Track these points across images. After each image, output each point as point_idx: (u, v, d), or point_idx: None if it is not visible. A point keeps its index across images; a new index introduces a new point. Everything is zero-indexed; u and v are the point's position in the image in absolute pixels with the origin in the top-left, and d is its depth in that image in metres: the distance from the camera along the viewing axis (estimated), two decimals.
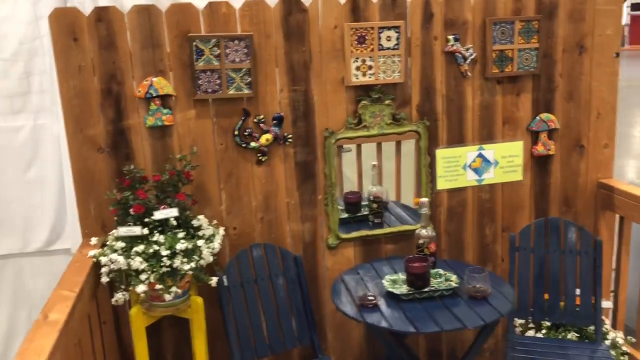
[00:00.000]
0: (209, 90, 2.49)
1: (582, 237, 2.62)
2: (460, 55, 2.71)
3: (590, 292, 2.56)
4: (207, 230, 2.36)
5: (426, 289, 2.33)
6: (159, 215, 2.24)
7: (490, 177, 2.91)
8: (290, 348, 2.60)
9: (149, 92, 2.44)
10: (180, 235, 2.24)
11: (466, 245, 2.97)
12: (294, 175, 2.70)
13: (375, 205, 2.91)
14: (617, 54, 2.92)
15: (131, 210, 2.22)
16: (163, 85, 2.46)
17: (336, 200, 2.74)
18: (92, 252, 2.26)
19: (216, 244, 2.31)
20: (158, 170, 2.48)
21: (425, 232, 2.49)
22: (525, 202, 2.98)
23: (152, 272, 2.12)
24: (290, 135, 2.64)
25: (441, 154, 2.83)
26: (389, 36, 2.61)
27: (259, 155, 2.63)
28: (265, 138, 2.59)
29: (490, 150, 2.88)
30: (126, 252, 2.16)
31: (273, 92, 2.59)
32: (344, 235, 2.79)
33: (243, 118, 2.57)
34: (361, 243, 2.84)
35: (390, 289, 2.34)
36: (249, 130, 2.58)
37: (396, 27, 2.60)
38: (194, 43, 2.43)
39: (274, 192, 2.69)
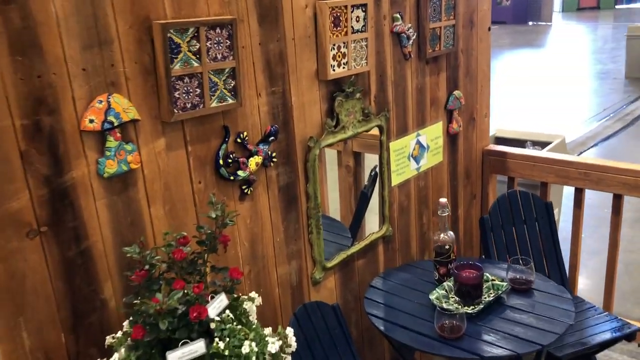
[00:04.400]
0: (189, 105, 1.64)
1: (536, 204, 2.74)
2: (405, 35, 2.45)
3: (553, 253, 2.70)
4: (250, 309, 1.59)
5: (483, 299, 2.08)
6: (213, 311, 1.39)
7: (425, 163, 2.76)
8: None
9: (107, 119, 1.47)
10: (242, 332, 1.44)
11: (411, 238, 2.78)
12: (278, 206, 2.04)
13: None
14: (489, 28, 3.09)
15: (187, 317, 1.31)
16: (125, 106, 1.51)
17: (321, 225, 2.20)
18: None
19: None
20: (123, 244, 1.54)
21: (448, 236, 2.21)
22: (445, 183, 2.95)
23: None
24: (274, 154, 1.97)
25: (393, 146, 2.54)
26: (357, 16, 2.16)
27: (243, 187, 1.89)
28: (254, 162, 1.87)
29: (424, 135, 2.72)
30: None
31: (252, 98, 1.87)
32: (329, 264, 2.27)
33: (226, 139, 1.79)
34: (339, 268, 2.36)
35: (459, 309, 2.01)
36: (233, 156, 1.82)
37: (363, 5, 2.17)
38: (168, 35, 1.55)
39: (259, 233, 1.99)
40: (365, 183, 3.10)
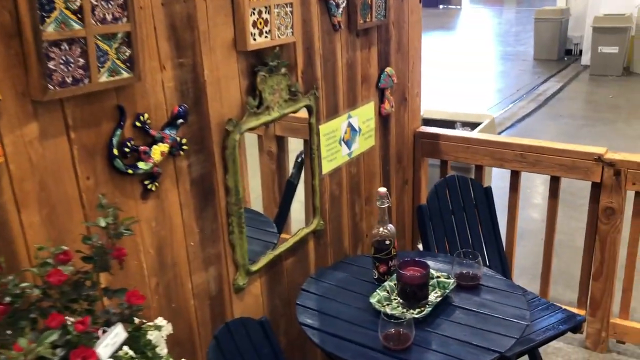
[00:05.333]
0: (69, 79, 1.26)
1: (475, 189, 2.54)
2: (334, 3, 2.15)
3: (493, 240, 2.53)
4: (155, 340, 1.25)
5: (430, 300, 1.85)
6: (105, 350, 1.04)
7: (357, 147, 2.49)
8: None
9: None
10: None
11: (343, 231, 2.51)
12: (191, 202, 1.69)
13: None
14: (420, 0, 2.85)
15: None
16: None
17: (244, 223, 1.87)
18: None
19: None
20: None
21: (388, 229, 1.96)
22: (377, 168, 2.70)
23: None
24: (184, 140, 1.62)
25: (323, 130, 2.25)
26: None
27: (146, 182, 1.53)
28: (159, 151, 1.51)
29: (355, 117, 2.45)
30: None
31: (154, 72, 1.51)
32: (254, 267, 1.95)
33: (121, 123, 1.42)
34: (265, 271, 2.05)
35: (405, 313, 1.76)
36: (132, 144, 1.46)
37: None
38: None
39: (168, 237, 1.64)
40: (292, 170, 2.80)
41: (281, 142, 3.03)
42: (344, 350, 1.68)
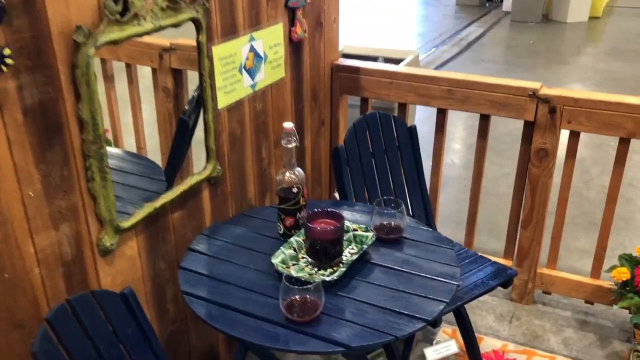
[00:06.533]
0: None
1: (398, 128, 2.21)
2: None
3: (417, 187, 2.23)
4: None
5: (344, 258, 1.53)
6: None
7: (262, 78, 2.09)
8: None
9: None
10: None
11: (247, 178, 2.14)
12: (26, 140, 1.25)
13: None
14: None
15: None
16: None
17: (108, 167, 1.45)
18: None
19: None
20: None
21: (295, 174, 1.60)
22: (288, 105, 2.32)
23: None
24: (7, 52, 1.16)
25: (218, 53, 1.83)
26: None
27: None
28: None
29: (260, 41, 2.04)
30: None
31: None
32: (126, 224, 1.54)
33: None
34: (144, 227, 1.65)
35: (313, 275, 1.43)
36: None
37: None
38: None
39: None
40: (186, 107, 2.37)
41: (179, 76, 2.57)
42: (234, 325, 1.33)
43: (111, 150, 2.01)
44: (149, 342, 1.31)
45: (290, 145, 1.56)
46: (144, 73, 2.53)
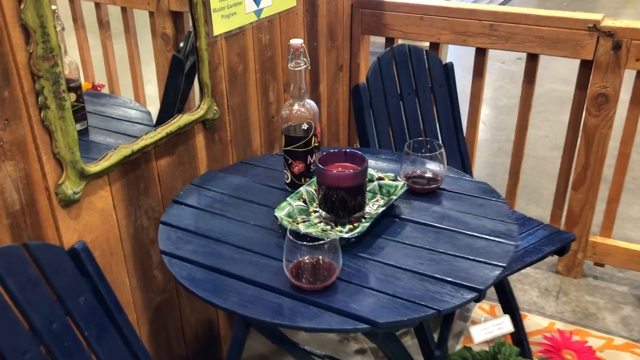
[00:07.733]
0: None
1: (431, 66, 1.86)
2: None
3: (453, 136, 1.88)
4: None
5: (368, 212, 1.20)
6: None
7: (269, 4, 1.75)
8: None
9: None
10: None
11: (252, 125, 1.81)
12: None
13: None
14: None
15: None
16: None
17: (65, 93, 1.13)
18: None
19: None
20: None
21: (306, 107, 1.26)
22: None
23: None
24: None
25: None
26: None
27: None
28: None
29: None
30: None
31: None
32: (94, 168, 1.23)
33: None
34: (121, 173, 1.34)
35: (327, 232, 1.10)
36: None
37: None
38: None
39: None
40: (181, 44, 2.05)
41: (179, 20, 2.24)
42: (225, 294, 1.02)
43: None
44: (110, 313, 1.00)
45: (298, 68, 1.23)
46: (140, 18, 2.22)
